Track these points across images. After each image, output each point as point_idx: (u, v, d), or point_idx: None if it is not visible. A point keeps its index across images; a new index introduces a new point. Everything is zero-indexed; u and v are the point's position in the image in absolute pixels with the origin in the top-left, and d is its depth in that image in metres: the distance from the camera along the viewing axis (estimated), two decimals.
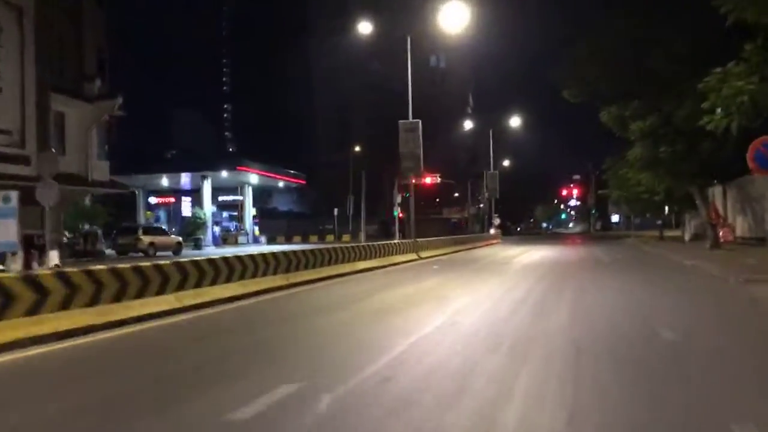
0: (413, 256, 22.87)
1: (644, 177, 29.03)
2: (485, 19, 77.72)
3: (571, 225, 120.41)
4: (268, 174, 46.20)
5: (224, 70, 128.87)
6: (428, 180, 49.14)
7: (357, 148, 54.32)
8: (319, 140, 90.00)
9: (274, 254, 12.92)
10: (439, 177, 49.23)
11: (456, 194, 74.97)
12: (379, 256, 20.06)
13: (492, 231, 45.95)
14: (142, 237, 31.79)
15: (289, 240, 59.98)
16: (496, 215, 47.21)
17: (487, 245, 37.78)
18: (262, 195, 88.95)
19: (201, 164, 41.94)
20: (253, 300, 11.17)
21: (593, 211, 77.21)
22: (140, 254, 30.77)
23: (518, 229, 79.86)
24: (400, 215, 70.92)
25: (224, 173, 41.29)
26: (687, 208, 35.67)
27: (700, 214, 32.46)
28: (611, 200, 41.78)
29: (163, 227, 36.68)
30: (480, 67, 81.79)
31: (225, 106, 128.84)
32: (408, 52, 24.01)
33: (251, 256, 11.98)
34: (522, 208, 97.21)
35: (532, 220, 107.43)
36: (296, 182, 52.36)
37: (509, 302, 10.50)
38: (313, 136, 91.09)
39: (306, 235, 61.30)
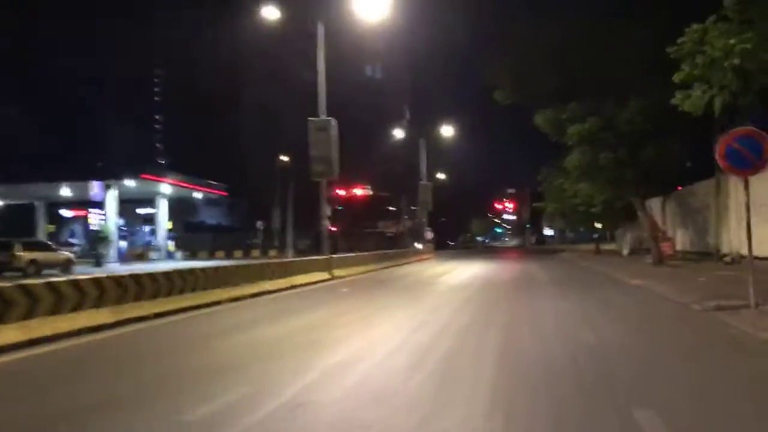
0: (325, 275, 19.36)
1: (582, 187, 26.60)
2: (423, 25, 75.71)
3: (506, 239, 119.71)
4: (182, 184, 41.75)
5: (156, 80, 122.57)
6: (359, 192, 45.94)
7: (285, 158, 50.42)
8: (253, 150, 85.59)
9: (94, 279, 9.14)
10: (370, 189, 45.93)
11: (392, 208, 72.17)
12: (280, 277, 16.47)
13: (418, 245, 42.81)
14: (19, 253, 27.03)
15: (212, 255, 55.50)
16: (429, 229, 44.27)
17: (417, 261, 34.66)
18: (188, 208, 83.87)
19: (101, 173, 37.15)
20: (39, 349, 7.42)
21: (527, 225, 75.83)
22: (19, 273, 26.11)
23: (451, 243, 77.21)
24: (333, 228, 67.58)
25: (129, 182, 36.68)
26: (623, 221, 33.67)
27: (640, 227, 30.34)
28: (546, 213, 39.56)
29: (49, 242, 31.80)
30: (417, 77, 79.16)
31: (156, 116, 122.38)
32: (319, 40, 20.69)
33: (48, 284, 8.20)
34: (459, 222, 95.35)
35: (468, 234, 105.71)
36: (217, 193, 48.00)
37: (410, 352, 7.14)
38: (247, 147, 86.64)
39: (231, 251, 57.09)
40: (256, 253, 56.62)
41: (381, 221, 66.80)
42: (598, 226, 46.60)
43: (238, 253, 57.15)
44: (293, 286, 16.33)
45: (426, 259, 37.73)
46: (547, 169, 36.56)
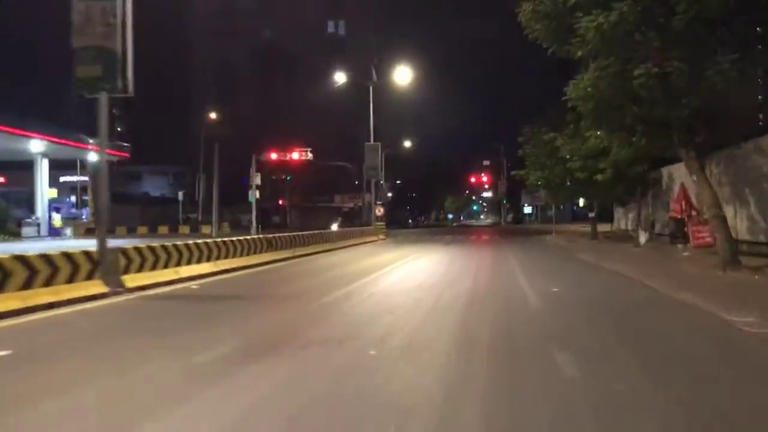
0: (95, 287, 9.18)
1: (591, 138, 16.50)
2: None
3: (482, 217, 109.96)
4: (58, 140, 30.77)
5: None
6: (295, 156, 35.50)
7: (212, 115, 39.61)
8: (202, 116, 74.26)
9: None
10: (311, 153, 35.36)
11: (357, 182, 61.80)
12: None
13: (334, 227, 32.51)
14: None
15: (132, 232, 45.02)
16: (379, 203, 34.07)
17: (354, 245, 24.55)
18: (129, 178, 72.59)
19: None
20: None
21: (504, 201, 65.81)
22: None
23: (410, 221, 66.69)
24: (282, 202, 57.07)
25: None
26: (632, 194, 23.77)
27: (649, 204, 20.78)
28: (528, 185, 29.49)
29: None
30: (385, 35, 67.94)
31: None
32: None
33: None
34: (432, 198, 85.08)
35: (441, 211, 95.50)
36: (117, 155, 37.06)
37: None
38: (196, 113, 75.25)
39: (156, 227, 46.58)
40: (185, 229, 46.19)
41: (338, 195, 56.44)
42: (581, 200, 37.01)
43: (164, 229, 46.71)
44: None
45: (372, 241, 27.61)
46: (531, 127, 26.47)
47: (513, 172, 28.86)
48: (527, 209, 67.40)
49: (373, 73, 68.75)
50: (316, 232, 21.75)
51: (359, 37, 64.28)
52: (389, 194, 65.18)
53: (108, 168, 38.32)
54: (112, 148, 35.60)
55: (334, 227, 32.58)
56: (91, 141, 33.52)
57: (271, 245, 16.24)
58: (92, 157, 34.77)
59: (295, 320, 7.57)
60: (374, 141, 38.11)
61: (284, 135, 46.34)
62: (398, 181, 69.97)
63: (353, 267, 14.91)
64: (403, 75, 36.98)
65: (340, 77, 38.43)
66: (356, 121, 58.01)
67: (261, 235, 16.35)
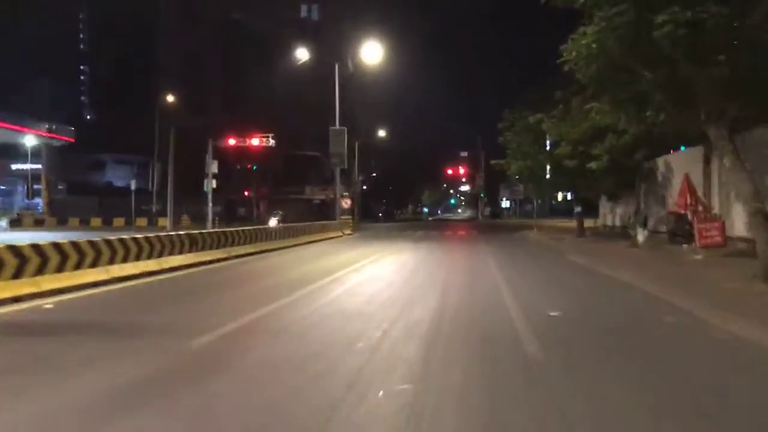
0: None
1: (590, 114, 13.51)
2: None
3: (459, 211, 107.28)
4: None
5: (80, 26, 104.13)
6: (255, 141, 32.06)
7: (170, 98, 35.93)
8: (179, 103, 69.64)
9: None
10: (272, 138, 31.91)
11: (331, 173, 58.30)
12: None
13: (272, 221, 29.12)
14: None
15: (84, 224, 41.40)
16: (346, 194, 30.83)
17: (311, 242, 21.31)
18: (92, 166, 68.29)
19: None
20: None
21: (482, 195, 62.96)
22: None
23: (380, 215, 63.46)
24: (246, 193, 53.50)
25: None
26: (627, 187, 20.91)
27: (633, 200, 18.06)
28: (509, 176, 26.48)
29: None
30: (360, 20, 64.32)
31: (81, 67, 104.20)
32: None
33: None
34: (408, 191, 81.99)
35: (419, 205, 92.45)
36: (56, 138, 33.28)
37: None
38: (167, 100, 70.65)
39: (111, 218, 42.85)
40: (142, 222, 42.42)
41: (309, 186, 52.99)
42: (559, 195, 34.40)
43: (120, 221, 42.95)
44: None
45: (332, 238, 24.40)
46: (513, 110, 23.43)
47: (493, 161, 25.89)
48: (506, 203, 64.73)
49: (349, 61, 65.29)
50: (261, 227, 18.45)
51: (333, 22, 60.61)
52: (364, 186, 62.04)
53: (61, 154, 34.50)
54: (54, 131, 31.91)
55: (273, 223, 28.59)
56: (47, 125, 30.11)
57: (195, 244, 12.95)
58: (30, 140, 30.94)
59: (134, 386, 4.37)
60: (352, 135, 34.96)
61: (257, 124, 42.85)
62: (373, 174, 66.87)
63: (292, 274, 11.73)
64: (374, 56, 33.84)
65: (302, 54, 34.94)
66: (334, 111, 54.65)
67: (184, 232, 13.03)
